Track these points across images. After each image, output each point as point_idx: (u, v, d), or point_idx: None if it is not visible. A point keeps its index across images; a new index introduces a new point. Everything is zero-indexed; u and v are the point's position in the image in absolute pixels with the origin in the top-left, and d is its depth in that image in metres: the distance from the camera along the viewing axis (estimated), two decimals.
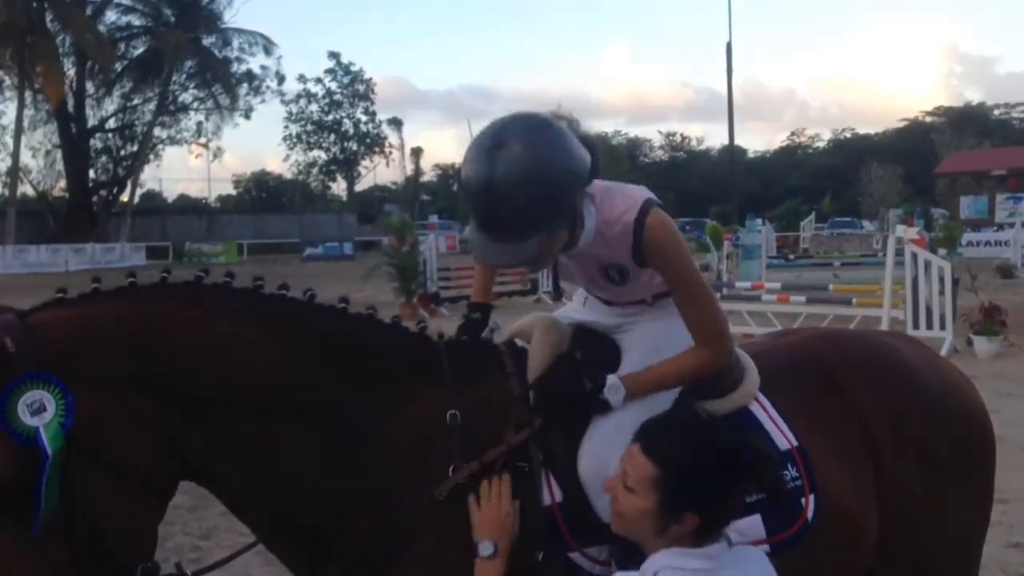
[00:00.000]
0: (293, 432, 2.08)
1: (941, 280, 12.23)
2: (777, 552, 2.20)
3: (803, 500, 2.36)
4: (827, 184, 64.57)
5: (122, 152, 52.55)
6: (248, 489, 2.10)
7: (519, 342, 2.41)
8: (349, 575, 2.11)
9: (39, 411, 1.85)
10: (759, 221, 29.93)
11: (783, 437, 2.42)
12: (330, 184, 74.42)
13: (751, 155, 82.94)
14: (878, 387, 2.60)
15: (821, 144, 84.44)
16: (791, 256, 29.77)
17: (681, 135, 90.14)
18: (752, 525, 2.25)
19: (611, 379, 2.23)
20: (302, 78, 68.75)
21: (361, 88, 70.73)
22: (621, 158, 64.79)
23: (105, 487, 1.91)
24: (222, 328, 2.07)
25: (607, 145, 59.34)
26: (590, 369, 2.28)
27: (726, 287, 15.25)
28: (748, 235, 26.29)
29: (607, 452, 2.16)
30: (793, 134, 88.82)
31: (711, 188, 66.01)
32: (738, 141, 68.21)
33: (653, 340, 2.37)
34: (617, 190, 2.24)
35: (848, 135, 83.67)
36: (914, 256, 12.47)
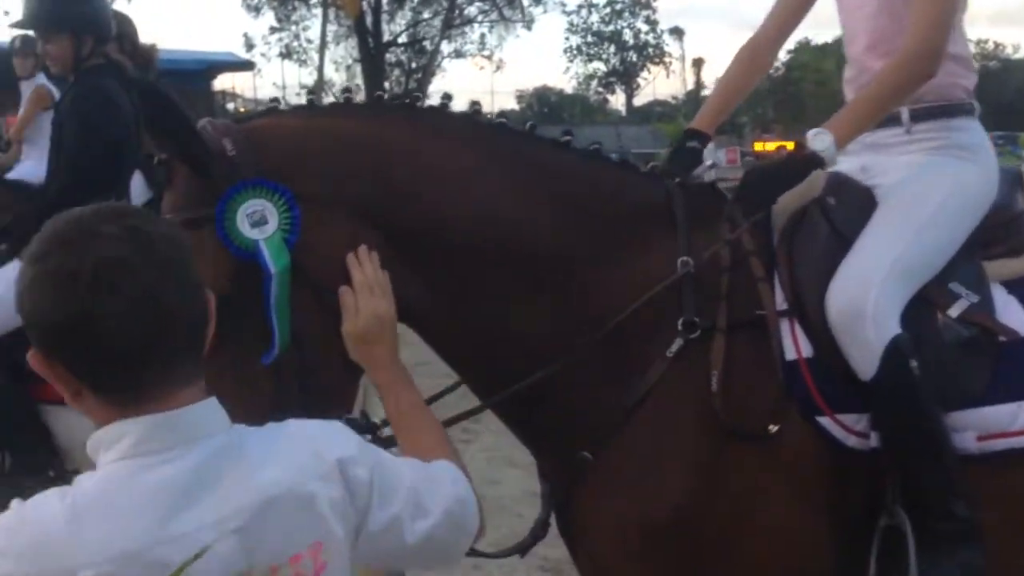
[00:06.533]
0: (517, 283, 1.83)
1: None
2: None
3: None
4: None
5: (413, 65, 55.01)
6: (462, 342, 1.88)
7: None
8: (572, 439, 1.86)
9: (260, 223, 1.65)
10: None
11: None
12: (608, 97, 74.13)
13: None
14: None
15: None
16: None
17: (994, 42, 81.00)
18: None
19: (811, 132, 1.92)
20: None
21: None
22: None
23: (318, 323, 1.69)
24: (455, 161, 1.84)
25: None
26: (844, 216, 1.97)
27: None
28: None
29: (863, 292, 1.79)
30: None
31: None
32: None
33: (911, 188, 2.00)
34: None
35: None
36: None
